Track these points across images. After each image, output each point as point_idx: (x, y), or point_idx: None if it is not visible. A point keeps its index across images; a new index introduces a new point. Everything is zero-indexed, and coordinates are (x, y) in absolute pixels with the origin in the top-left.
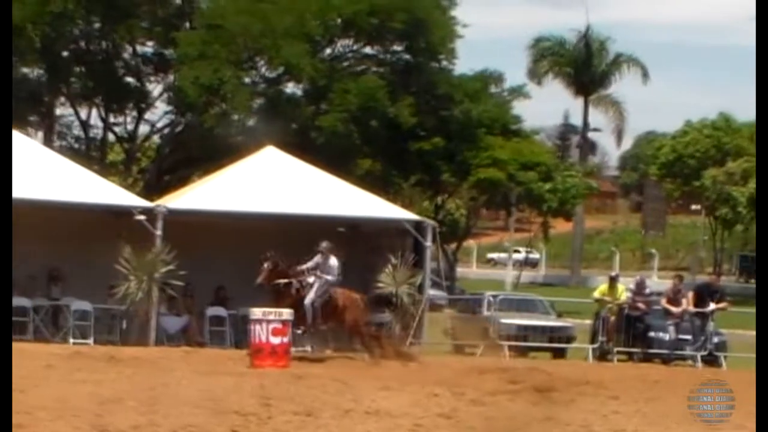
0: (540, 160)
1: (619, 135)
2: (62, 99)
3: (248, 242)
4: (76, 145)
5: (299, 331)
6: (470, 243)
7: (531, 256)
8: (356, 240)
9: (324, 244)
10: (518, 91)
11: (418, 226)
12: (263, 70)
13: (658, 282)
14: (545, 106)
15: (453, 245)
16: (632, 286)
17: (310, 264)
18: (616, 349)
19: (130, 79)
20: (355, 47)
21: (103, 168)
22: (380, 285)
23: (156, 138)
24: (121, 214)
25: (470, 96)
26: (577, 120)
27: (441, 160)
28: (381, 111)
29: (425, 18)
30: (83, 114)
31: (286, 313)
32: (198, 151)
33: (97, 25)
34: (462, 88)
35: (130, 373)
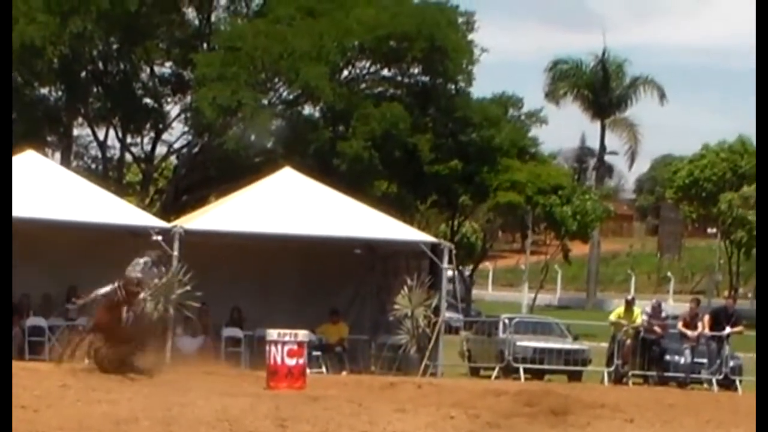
0: (559, 183)
1: (632, 157)
2: (80, 119)
3: (264, 263)
4: (94, 166)
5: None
6: (486, 265)
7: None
8: (372, 261)
9: (152, 254)
10: (536, 115)
11: (435, 248)
12: (281, 91)
13: (673, 306)
14: (562, 129)
15: (469, 267)
16: (648, 309)
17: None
18: (631, 372)
19: (147, 100)
20: (372, 69)
21: (120, 188)
22: (396, 306)
23: (173, 159)
24: (138, 234)
25: (488, 119)
26: (593, 143)
27: (458, 182)
28: (402, 140)
29: (443, 42)
30: (101, 134)
31: (302, 334)
32: (215, 171)
33: (115, 46)
34: (480, 111)
35: (146, 394)
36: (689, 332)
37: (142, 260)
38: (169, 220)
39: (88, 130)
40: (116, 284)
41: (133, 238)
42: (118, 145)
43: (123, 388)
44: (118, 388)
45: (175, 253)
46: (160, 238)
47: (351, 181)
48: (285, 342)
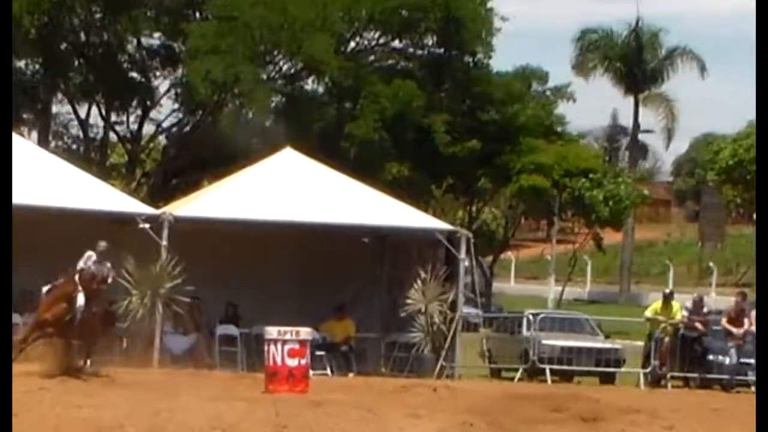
0: (588, 165)
1: (669, 136)
2: (60, 95)
3: (263, 254)
4: (75, 146)
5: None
6: (508, 255)
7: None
8: (382, 252)
9: (102, 244)
10: (562, 90)
11: (451, 236)
12: (282, 65)
13: (716, 299)
14: (592, 106)
15: (489, 258)
16: (688, 304)
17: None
18: (670, 374)
19: (134, 75)
20: (382, 41)
21: (104, 171)
22: (409, 301)
23: (162, 139)
24: (123, 222)
25: (510, 95)
26: (626, 121)
27: (477, 165)
28: (415, 120)
29: (460, 11)
30: (82, 112)
31: (305, 332)
32: (209, 153)
33: (98, 15)
34: (501, 86)
35: (131, 398)
36: (734, 329)
37: (94, 252)
38: (157, 207)
39: (68, 107)
40: (62, 279)
41: (117, 226)
42: (101, 123)
43: (106, 391)
44: (101, 392)
45: (164, 242)
46: (147, 226)
47: (359, 163)
48: (286, 341)
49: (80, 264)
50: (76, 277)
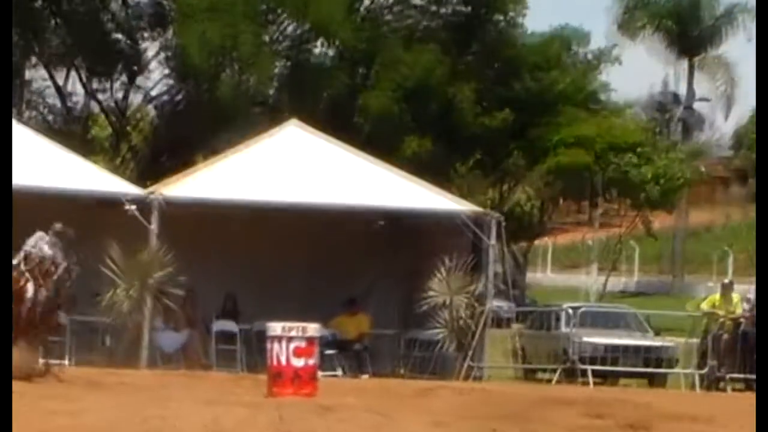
0: (636, 139)
1: (729, 105)
2: (34, 60)
3: (266, 241)
4: (51, 117)
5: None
6: (544, 241)
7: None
8: (400, 238)
9: (58, 225)
10: (605, 54)
11: (479, 220)
12: (287, 27)
13: None
14: (639, 72)
15: (522, 244)
16: (751, 295)
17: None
18: (729, 376)
19: (118, 36)
20: None
21: (85, 146)
22: (430, 293)
23: (151, 110)
24: (107, 203)
25: (546, 60)
26: (679, 88)
27: (508, 139)
28: (438, 91)
29: None
30: (60, 79)
31: (313, 329)
32: (204, 126)
33: None
34: (535, 50)
35: (115, 403)
36: None
37: (45, 234)
38: (145, 186)
39: (44, 73)
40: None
41: (100, 209)
42: (81, 92)
43: (87, 395)
44: (82, 396)
45: (154, 227)
46: (134, 208)
47: (374, 138)
48: (291, 338)
49: (27, 247)
50: (22, 264)
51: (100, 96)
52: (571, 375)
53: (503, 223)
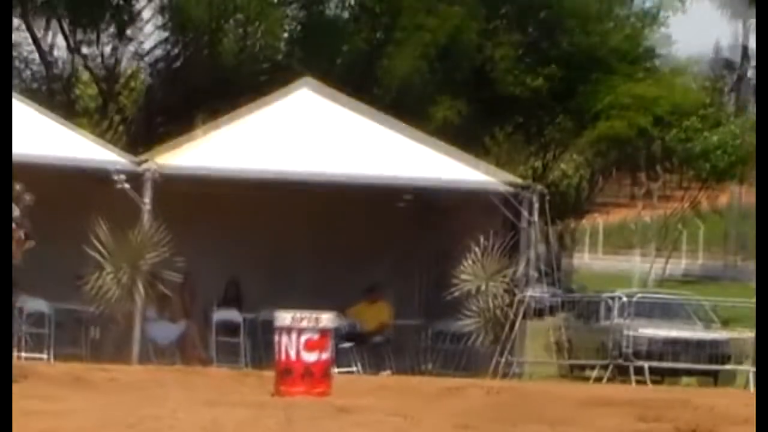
0: (699, 101)
1: None
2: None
3: (273, 218)
4: (28, 75)
5: None
6: (593, 219)
7: None
8: (427, 215)
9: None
10: (657, 11)
11: (516, 195)
12: None
13: None
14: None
15: (568, 222)
16: None
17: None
18: None
19: None
20: None
21: (70, 112)
22: (461, 279)
23: (144, 67)
24: (93, 176)
25: (589, 19)
26: (749, 43)
27: (552, 101)
28: (469, 55)
29: None
30: (39, 30)
31: (327, 319)
32: (204, 90)
33: None
34: (575, 8)
35: (104, 403)
36: None
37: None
38: (137, 156)
39: (18, 22)
40: None
41: (84, 181)
42: (63, 45)
43: (72, 394)
44: (66, 395)
45: (147, 202)
46: (125, 181)
47: (398, 102)
48: (302, 329)
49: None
50: None
51: (84, 50)
52: (623, 372)
53: (546, 198)
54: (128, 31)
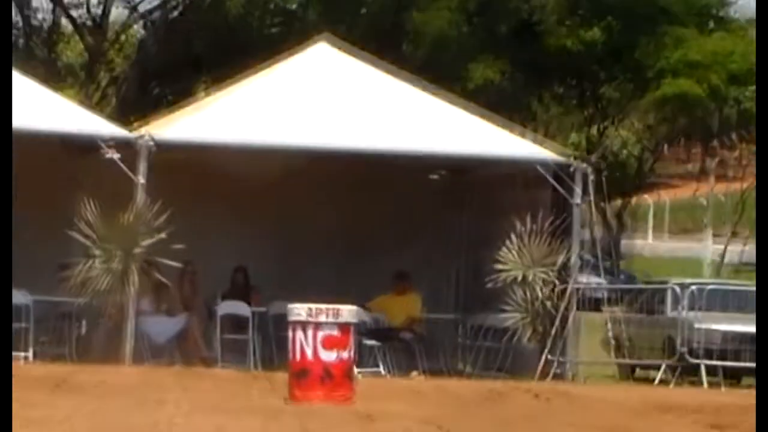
0: None
1: None
2: None
3: (286, 196)
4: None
5: None
6: (645, 199)
7: None
8: (463, 193)
9: None
10: None
11: (567, 168)
12: None
13: None
14: None
15: (620, 201)
16: None
17: None
18: None
19: None
20: None
21: (54, 74)
22: (501, 267)
23: (138, 27)
24: (80, 148)
25: None
26: None
27: (605, 61)
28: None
29: None
30: None
31: (348, 312)
32: (206, 48)
33: None
34: None
35: (93, 408)
36: None
37: None
38: (130, 126)
39: None
40: None
41: (70, 155)
42: (49, 4)
43: (55, 399)
44: (49, 401)
45: (141, 178)
46: (115, 154)
47: (431, 63)
48: (320, 324)
49: None
50: None
51: (72, 10)
52: (687, 373)
53: (602, 171)
54: None
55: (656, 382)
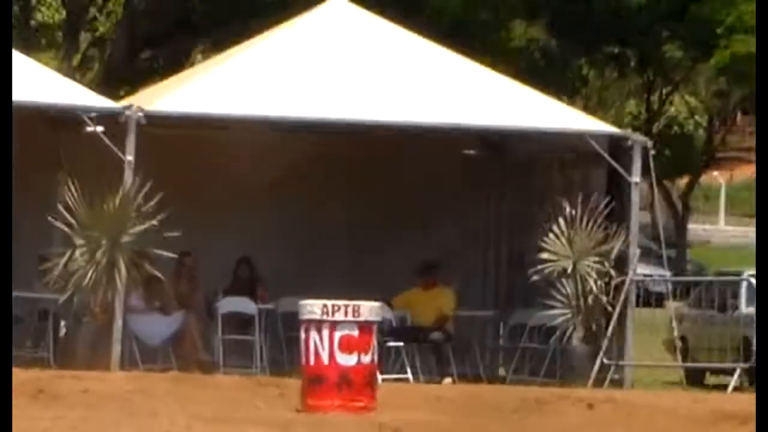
0: None
1: None
2: None
3: (296, 177)
4: None
5: None
6: (713, 177)
7: None
8: (499, 172)
9: None
10: None
11: (619, 143)
12: None
13: None
14: None
15: (686, 180)
16: None
17: None
18: None
19: None
20: None
21: (27, 36)
22: (546, 257)
23: None
24: (60, 122)
25: None
26: None
27: (655, 25)
28: None
29: None
30: None
31: (369, 309)
32: (204, 6)
33: None
34: None
35: (76, 420)
36: None
37: None
38: (117, 97)
39: None
40: None
41: (48, 130)
42: None
43: (32, 410)
44: (27, 411)
45: (129, 156)
46: (100, 129)
47: (460, 25)
48: (336, 323)
49: None
50: None
51: None
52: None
53: (651, 150)
54: None
55: (730, 389)
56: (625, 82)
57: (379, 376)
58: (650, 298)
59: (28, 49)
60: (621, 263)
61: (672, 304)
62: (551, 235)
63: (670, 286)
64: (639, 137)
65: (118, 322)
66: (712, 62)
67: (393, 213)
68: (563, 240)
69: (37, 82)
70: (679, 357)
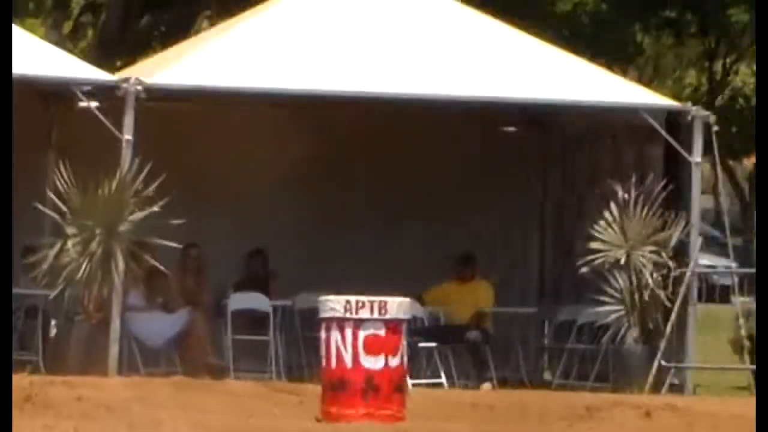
0: None
1: None
2: None
3: (314, 157)
4: None
5: None
6: None
7: None
8: (543, 152)
9: None
10: None
11: (678, 118)
12: None
13: None
14: None
15: (750, 160)
16: None
17: None
18: None
19: None
20: None
21: (17, 8)
22: (596, 246)
23: None
24: (51, 96)
25: None
26: None
27: None
28: None
29: None
30: None
31: (398, 305)
32: None
33: None
34: None
35: (72, 428)
36: None
37: None
38: (114, 69)
39: None
40: None
41: (41, 105)
42: None
43: (23, 420)
44: (17, 421)
45: (127, 135)
46: (93, 104)
47: None
48: (360, 321)
49: None
50: None
51: None
52: None
53: (714, 127)
54: None
55: None
56: (685, 49)
57: (409, 381)
58: (714, 293)
59: (17, 18)
60: (680, 253)
61: (738, 299)
62: (602, 222)
63: (736, 279)
64: (700, 111)
65: (116, 321)
66: None
67: (423, 198)
68: (615, 227)
69: (23, 51)
70: (747, 359)
